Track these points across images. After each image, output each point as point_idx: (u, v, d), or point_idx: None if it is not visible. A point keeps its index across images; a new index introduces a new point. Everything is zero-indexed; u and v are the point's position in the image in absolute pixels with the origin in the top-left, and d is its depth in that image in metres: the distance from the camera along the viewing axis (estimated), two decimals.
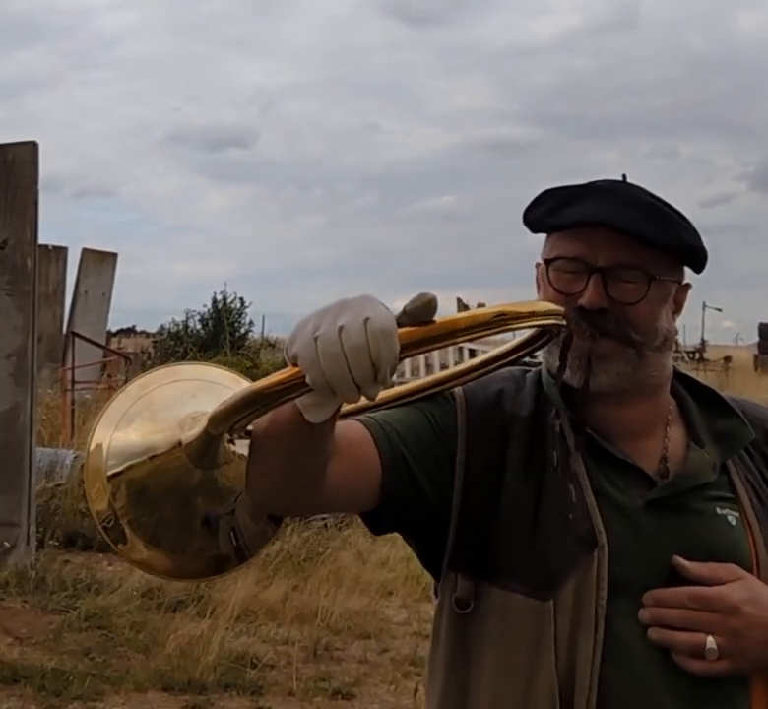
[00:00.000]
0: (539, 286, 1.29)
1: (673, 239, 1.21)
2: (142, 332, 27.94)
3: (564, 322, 1.16)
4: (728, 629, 1.15)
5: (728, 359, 24.42)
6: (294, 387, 1.00)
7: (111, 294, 14.35)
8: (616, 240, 1.20)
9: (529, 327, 1.15)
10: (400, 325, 0.98)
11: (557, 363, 1.23)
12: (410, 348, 1.00)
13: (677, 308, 1.28)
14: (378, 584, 5.58)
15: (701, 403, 1.32)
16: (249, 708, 4.18)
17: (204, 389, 1.26)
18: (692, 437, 1.28)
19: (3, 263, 5.74)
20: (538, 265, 1.29)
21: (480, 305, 18.96)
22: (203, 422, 1.15)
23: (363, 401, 1.06)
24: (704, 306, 31.45)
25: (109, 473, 1.20)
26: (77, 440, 8.25)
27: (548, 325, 1.15)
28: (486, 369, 1.29)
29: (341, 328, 0.95)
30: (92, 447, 1.23)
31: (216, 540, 1.24)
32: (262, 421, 1.10)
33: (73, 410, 9.81)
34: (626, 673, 1.16)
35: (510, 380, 1.30)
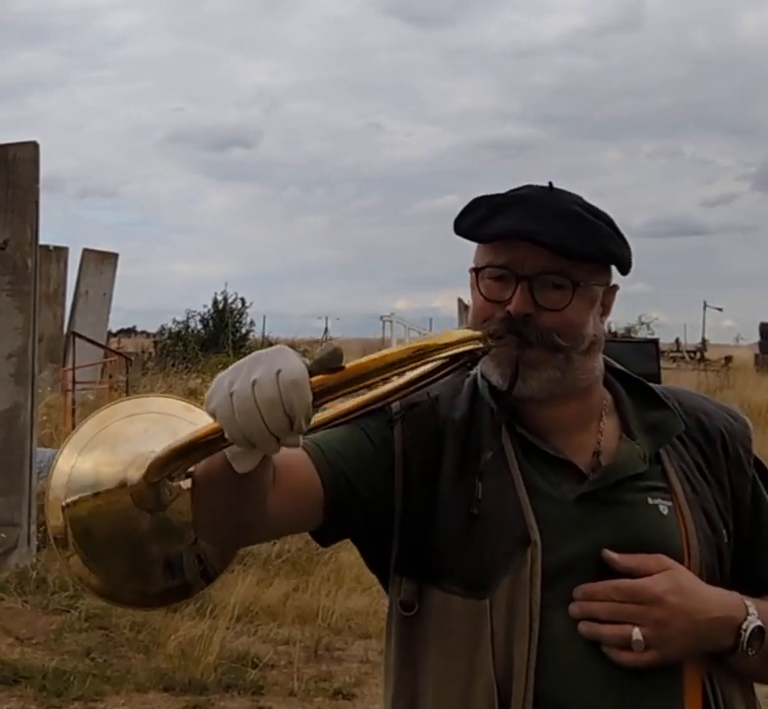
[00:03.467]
0: (472, 292, 1.31)
1: (598, 250, 1.23)
2: (142, 332, 28.04)
3: (481, 345, 1.20)
4: (652, 620, 1.17)
5: (729, 359, 24.41)
6: (217, 441, 1.03)
7: (112, 295, 14.37)
8: (541, 249, 1.21)
9: (447, 357, 1.17)
10: (312, 374, 1.00)
11: (490, 374, 1.26)
12: (323, 395, 1.03)
13: (605, 310, 1.30)
14: (379, 584, 5.56)
15: (634, 396, 1.33)
16: (250, 708, 4.18)
17: (158, 422, 1.28)
18: (624, 430, 1.29)
19: (4, 263, 5.74)
20: (471, 270, 1.31)
21: None
22: (142, 471, 1.17)
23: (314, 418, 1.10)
24: (705, 306, 31.54)
25: (63, 503, 1.21)
26: None
27: (467, 351, 1.19)
28: (414, 387, 1.27)
29: (254, 382, 0.97)
30: (53, 472, 1.23)
31: (182, 577, 1.27)
32: (200, 465, 1.13)
33: (74, 410, 9.82)
34: (561, 666, 1.17)
35: (448, 386, 1.32)
